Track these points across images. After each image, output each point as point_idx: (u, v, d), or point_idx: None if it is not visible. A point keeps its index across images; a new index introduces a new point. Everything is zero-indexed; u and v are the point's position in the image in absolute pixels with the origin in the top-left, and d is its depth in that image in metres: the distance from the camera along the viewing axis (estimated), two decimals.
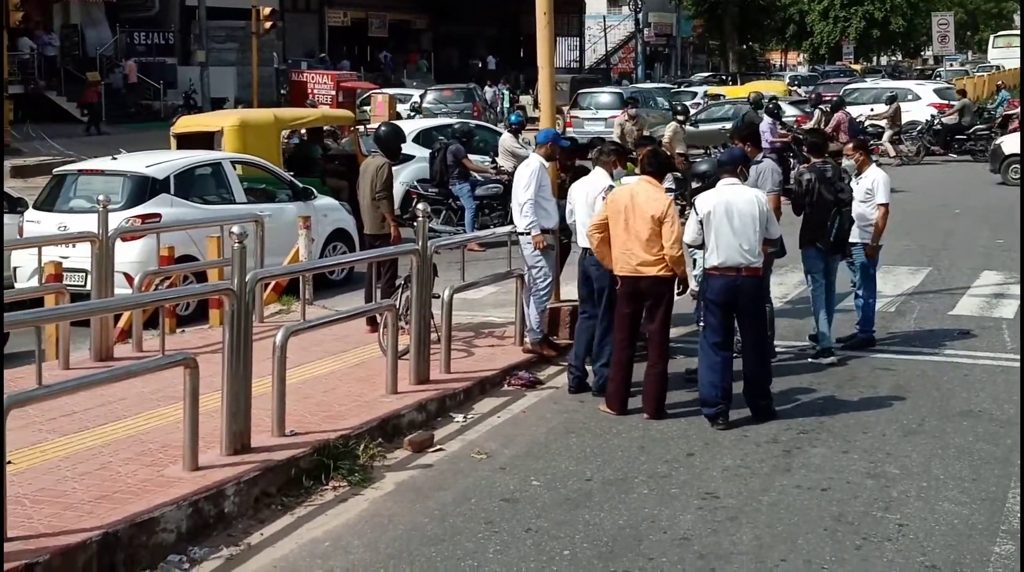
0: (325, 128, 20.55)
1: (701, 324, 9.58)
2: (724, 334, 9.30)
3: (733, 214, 9.18)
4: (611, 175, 10.61)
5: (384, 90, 41.80)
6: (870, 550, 6.83)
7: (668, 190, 10.40)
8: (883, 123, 30.41)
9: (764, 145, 22.54)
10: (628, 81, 59.79)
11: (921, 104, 34.32)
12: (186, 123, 17.74)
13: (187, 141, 16.40)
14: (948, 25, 58.40)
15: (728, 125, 27.68)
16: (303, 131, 19.32)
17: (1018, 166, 24.69)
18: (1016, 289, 14.11)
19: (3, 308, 6.60)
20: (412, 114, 28.93)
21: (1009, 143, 25.50)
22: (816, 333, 11.23)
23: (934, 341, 11.81)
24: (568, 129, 33.99)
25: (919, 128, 31.02)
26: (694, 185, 10.68)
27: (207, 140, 16.60)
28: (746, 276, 9.22)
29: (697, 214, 9.35)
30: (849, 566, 6.62)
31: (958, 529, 7.13)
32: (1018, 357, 11.06)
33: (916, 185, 24.76)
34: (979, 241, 18.00)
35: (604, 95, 38.24)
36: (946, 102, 33.75)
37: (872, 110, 32.40)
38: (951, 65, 66.57)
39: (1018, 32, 57.64)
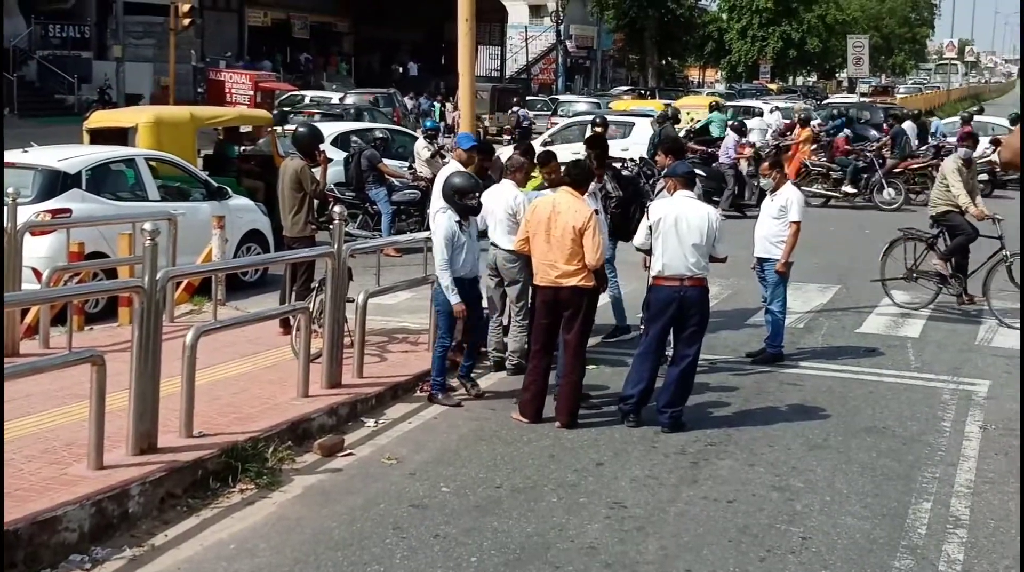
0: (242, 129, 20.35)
1: (643, 326, 9.75)
2: (658, 342, 9.55)
3: (682, 224, 9.32)
4: (519, 186, 10.95)
5: (303, 92, 41.64)
6: (774, 562, 6.93)
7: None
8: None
9: (725, 159, 23.61)
10: (545, 94, 60.05)
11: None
12: (100, 118, 17.47)
13: (101, 136, 16.16)
14: (863, 48, 59.29)
15: None
16: (219, 130, 19.12)
17: None
18: (922, 310, 14.38)
19: None
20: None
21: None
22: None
23: (841, 357, 12.01)
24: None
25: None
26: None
27: (121, 136, 16.36)
28: (689, 286, 9.34)
29: (648, 219, 9.58)
30: None
31: (859, 543, 7.25)
32: (921, 376, 11.32)
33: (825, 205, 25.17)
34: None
35: (580, 104, 43.88)
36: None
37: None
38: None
39: None
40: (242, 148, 18.80)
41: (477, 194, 10.05)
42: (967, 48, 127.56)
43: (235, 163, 17.88)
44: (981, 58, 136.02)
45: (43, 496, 6.90)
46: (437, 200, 11.03)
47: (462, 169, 11.10)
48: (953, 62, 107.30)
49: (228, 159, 18.04)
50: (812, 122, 30.21)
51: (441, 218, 9.94)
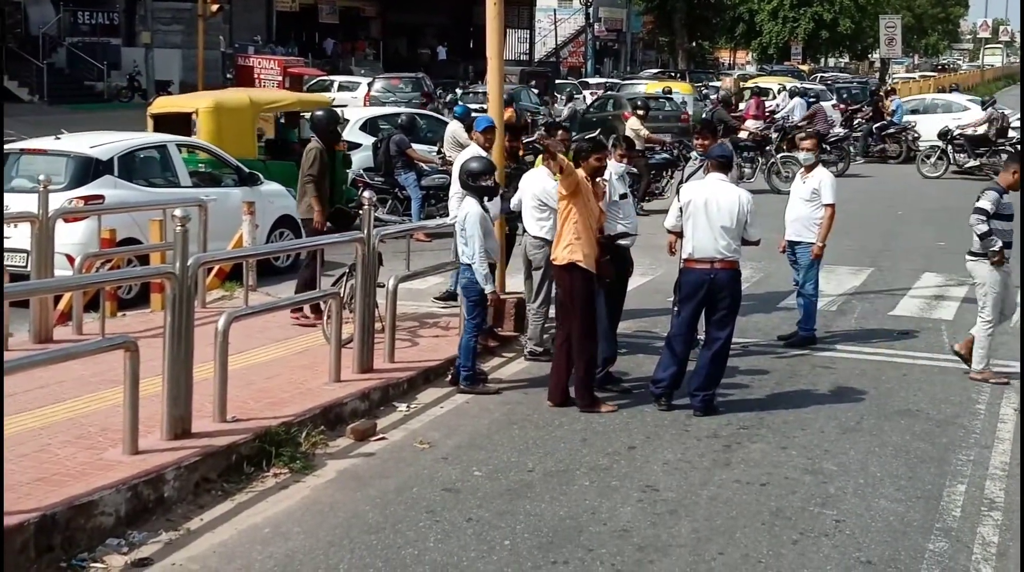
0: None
1: (675, 309, 9.74)
2: (690, 325, 9.52)
3: (712, 206, 9.30)
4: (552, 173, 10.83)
5: (332, 77, 41.63)
6: (807, 545, 6.91)
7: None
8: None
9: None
10: (574, 76, 59.86)
11: None
12: (163, 104, 17.70)
13: (163, 122, 16.34)
14: (895, 28, 58.90)
15: None
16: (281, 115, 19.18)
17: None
18: (956, 291, 14.29)
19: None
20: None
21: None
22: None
23: (874, 340, 11.95)
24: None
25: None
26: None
27: (183, 121, 16.45)
28: (720, 268, 9.31)
29: (679, 201, 9.60)
30: (786, 561, 6.68)
31: (893, 526, 7.22)
32: (956, 358, 11.24)
33: (858, 185, 25.02)
34: (921, 243, 18.21)
35: (640, 86, 40.39)
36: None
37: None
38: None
39: None
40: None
41: (491, 175, 9.94)
42: (1002, 28, 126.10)
43: (295, 148, 17.93)
44: (1016, 38, 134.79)
45: (79, 481, 6.96)
46: (455, 184, 10.99)
47: (479, 153, 11.05)
48: (991, 46, 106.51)
49: (289, 144, 18.15)
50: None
51: (469, 205, 9.73)
